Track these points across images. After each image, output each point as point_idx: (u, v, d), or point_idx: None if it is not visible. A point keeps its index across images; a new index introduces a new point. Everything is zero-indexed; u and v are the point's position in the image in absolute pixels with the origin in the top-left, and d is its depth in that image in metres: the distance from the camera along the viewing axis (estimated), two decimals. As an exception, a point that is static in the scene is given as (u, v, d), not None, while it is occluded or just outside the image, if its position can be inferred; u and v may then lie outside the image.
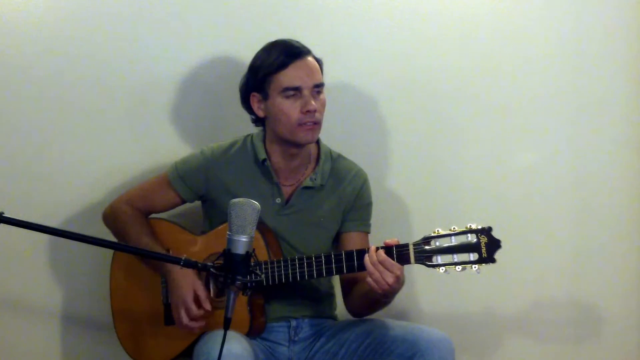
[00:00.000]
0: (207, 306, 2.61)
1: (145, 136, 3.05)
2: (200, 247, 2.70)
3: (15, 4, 2.94)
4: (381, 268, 2.46)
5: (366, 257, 2.49)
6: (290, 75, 2.62)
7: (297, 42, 2.68)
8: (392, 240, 2.50)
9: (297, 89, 2.63)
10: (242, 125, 2.84)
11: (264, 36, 2.74)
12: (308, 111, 2.62)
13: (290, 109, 2.63)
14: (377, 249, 2.50)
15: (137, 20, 3.01)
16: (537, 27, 3.15)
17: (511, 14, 3.13)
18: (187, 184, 2.76)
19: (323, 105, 2.67)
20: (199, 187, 2.76)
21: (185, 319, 2.61)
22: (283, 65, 2.62)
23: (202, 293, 2.61)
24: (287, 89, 2.62)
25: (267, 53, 2.67)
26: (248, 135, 2.79)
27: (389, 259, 2.47)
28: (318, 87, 2.66)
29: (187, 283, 2.61)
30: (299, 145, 2.69)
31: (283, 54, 2.63)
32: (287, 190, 2.74)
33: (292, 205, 2.73)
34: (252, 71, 2.69)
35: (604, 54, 3.16)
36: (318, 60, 2.69)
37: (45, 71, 2.98)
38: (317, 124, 2.65)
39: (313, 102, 2.63)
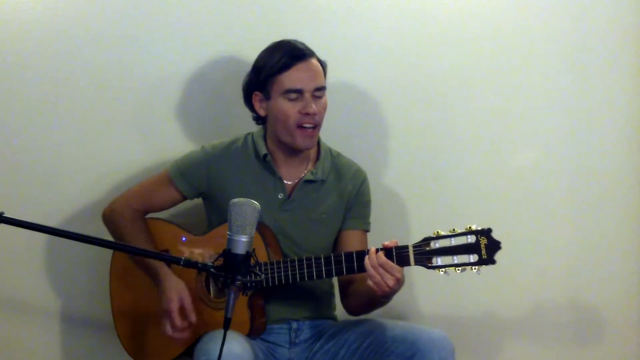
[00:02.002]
0: (192, 317, 2.59)
1: (149, 135, 3.05)
2: (201, 247, 2.70)
3: (20, 3, 2.94)
4: (382, 271, 2.46)
5: (366, 259, 2.49)
6: (292, 78, 2.63)
7: (302, 43, 2.68)
8: (391, 242, 2.50)
9: (299, 92, 2.63)
10: (246, 124, 2.84)
11: (268, 35, 2.75)
12: (307, 113, 2.63)
13: (290, 110, 2.63)
14: (377, 250, 2.50)
15: (142, 20, 3.01)
16: (537, 27, 3.14)
17: (512, 14, 3.13)
18: (188, 180, 2.76)
19: (324, 108, 2.67)
20: (200, 183, 2.76)
21: (168, 331, 2.61)
22: (286, 67, 2.63)
23: (187, 304, 2.60)
24: (288, 91, 2.63)
25: (270, 53, 2.67)
26: (249, 134, 2.79)
27: (390, 262, 2.47)
28: (319, 90, 2.66)
29: (174, 293, 2.60)
30: (297, 150, 2.69)
31: (286, 55, 2.63)
32: (288, 185, 2.74)
33: (294, 200, 2.73)
34: (256, 71, 2.69)
35: (604, 54, 3.15)
36: (322, 63, 2.69)
37: (48, 70, 2.98)
38: (315, 128, 2.66)
39: (313, 105, 2.63)
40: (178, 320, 2.59)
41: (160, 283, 2.65)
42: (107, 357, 3.00)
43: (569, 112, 3.17)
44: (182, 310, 2.60)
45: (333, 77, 2.83)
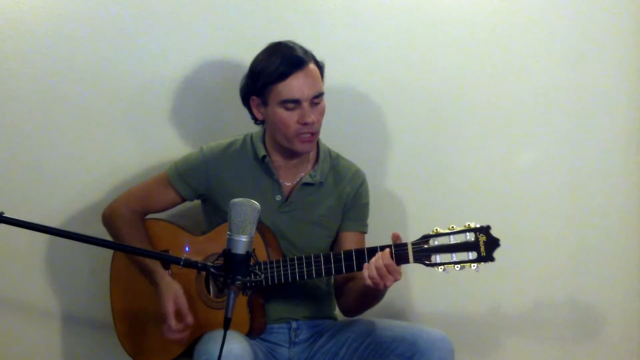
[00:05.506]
0: (188, 320, 2.59)
1: (144, 136, 3.05)
2: (200, 248, 2.70)
3: (15, 4, 2.94)
4: (384, 271, 2.46)
5: (373, 259, 2.48)
6: (289, 87, 2.58)
7: (300, 47, 2.64)
8: (394, 235, 2.50)
9: (296, 102, 2.60)
10: (240, 126, 2.85)
11: (262, 37, 2.72)
12: (305, 123, 2.61)
13: (288, 119, 2.61)
14: (382, 248, 2.49)
15: (136, 21, 3.01)
16: (537, 28, 3.14)
17: (511, 14, 3.13)
18: (187, 182, 2.76)
19: (322, 113, 2.65)
20: (199, 185, 2.76)
21: (167, 333, 2.61)
22: (283, 76, 2.58)
23: (183, 307, 2.59)
24: (286, 101, 2.60)
25: (268, 59, 2.62)
26: (247, 134, 2.79)
27: (394, 264, 2.46)
28: (317, 97, 2.63)
29: (170, 296, 2.61)
30: (296, 154, 2.69)
31: (284, 63, 2.58)
32: (287, 188, 2.74)
33: (292, 203, 2.73)
34: (253, 76, 2.65)
35: (604, 54, 3.16)
36: (319, 65, 2.66)
37: (45, 71, 2.98)
38: (314, 134, 2.65)
39: (312, 116, 2.60)
40: (174, 323, 2.59)
41: (156, 286, 2.65)
42: (107, 357, 3.00)
43: (569, 112, 3.17)
44: (178, 312, 2.60)
45: (332, 79, 2.83)
